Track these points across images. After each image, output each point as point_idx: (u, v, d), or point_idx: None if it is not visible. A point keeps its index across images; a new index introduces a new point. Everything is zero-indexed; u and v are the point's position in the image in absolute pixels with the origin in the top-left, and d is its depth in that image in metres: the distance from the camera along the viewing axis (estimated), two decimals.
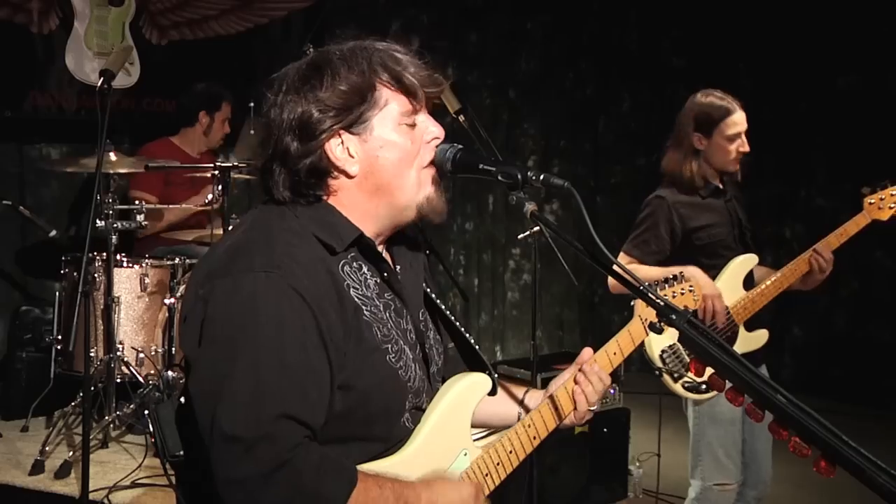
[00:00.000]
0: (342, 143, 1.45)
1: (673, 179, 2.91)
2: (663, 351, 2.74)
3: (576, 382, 1.71)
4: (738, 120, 2.84)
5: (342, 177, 1.47)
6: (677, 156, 2.90)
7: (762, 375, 1.22)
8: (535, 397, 1.79)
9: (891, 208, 2.88)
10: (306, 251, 1.41)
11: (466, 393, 1.60)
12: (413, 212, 1.51)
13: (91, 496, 3.23)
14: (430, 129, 1.51)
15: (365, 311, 1.45)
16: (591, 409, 1.72)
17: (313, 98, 1.43)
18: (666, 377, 2.77)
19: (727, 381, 1.28)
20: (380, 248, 1.55)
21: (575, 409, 1.71)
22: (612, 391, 3.77)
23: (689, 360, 2.75)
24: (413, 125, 1.49)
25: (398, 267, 1.60)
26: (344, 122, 1.44)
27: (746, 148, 2.86)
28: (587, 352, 1.76)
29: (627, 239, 2.93)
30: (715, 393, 2.77)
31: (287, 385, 1.32)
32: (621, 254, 2.93)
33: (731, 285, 2.85)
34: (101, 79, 3.35)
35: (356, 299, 1.44)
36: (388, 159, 1.46)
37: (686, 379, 2.74)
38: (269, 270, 1.35)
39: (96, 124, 3.25)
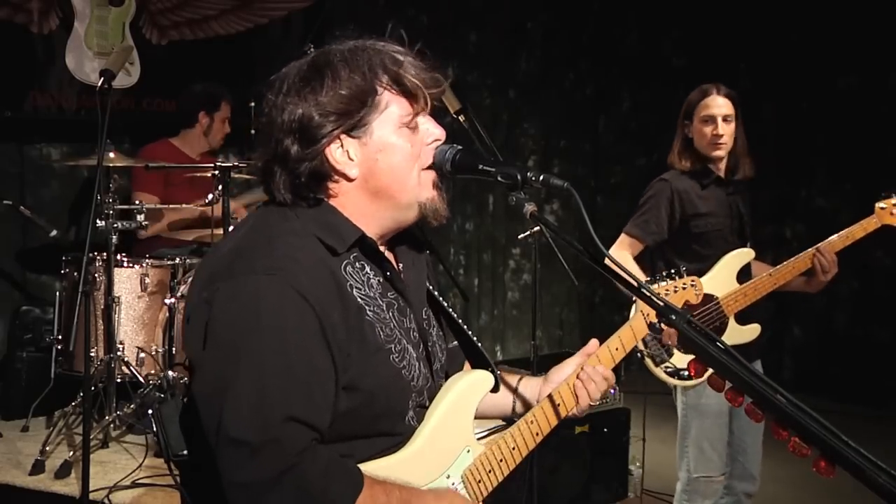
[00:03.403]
0: (342, 146, 1.45)
1: (673, 168, 3.01)
2: (645, 335, 2.78)
3: (578, 379, 1.72)
4: (711, 103, 2.90)
5: (342, 180, 1.47)
6: (675, 147, 3.01)
7: (762, 375, 1.22)
8: (530, 385, 1.80)
9: None
10: (308, 252, 1.41)
11: (469, 390, 1.60)
12: (415, 211, 1.50)
13: (91, 496, 3.23)
14: (431, 131, 1.51)
15: (368, 312, 1.45)
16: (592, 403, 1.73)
17: (314, 101, 1.42)
18: (647, 361, 2.81)
19: (727, 382, 1.28)
20: (382, 247, 1.55)
21: (577, 404, 1.72)
22: (612, 391, 3.77)
23: (670, 345, 2.80)
24: (414, 127, 1.48)
25: (401, 265, 1.60)
26: (344, 127, 1.43)
27: (718, 131, 2.89)
28: (593, 343, 1.76)
29: (630, 219, 3.00)
30: (697, 381, 2.81)
31: (292, 388, 1.32)
32: (622, 234, 2.99)
33: (723, 277, 2.88)
34: (101, 79, 3.35)
35: (359, 299, 1.44)
36: (387, 162, 1.46)
37: (667, 364, 2.78)
38: (270, 272, 1.35)
39: (96, 124, 3.25)
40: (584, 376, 1.71)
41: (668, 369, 2.79)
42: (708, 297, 2.84)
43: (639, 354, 2.79)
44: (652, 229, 2.92)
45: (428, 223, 1.53)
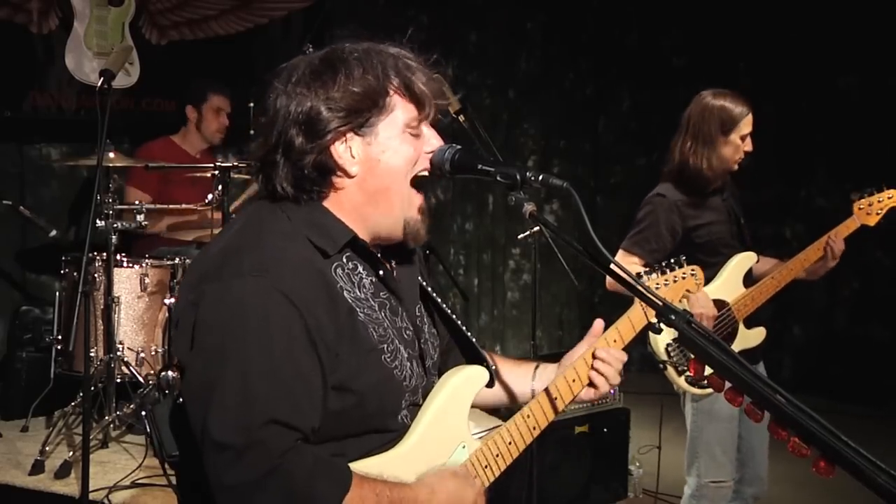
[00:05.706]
0: (346, 142, 1.46)
1: (684, 174, 2.89)
2: (668, 344, 2.77)
3: (594, 366, 1.70)
4: (750, 120, 2.90)
5: (343, 177, 1.48)
6: (694, 151, 2.88)
7: (761, 375, 1.22)
8: (546, 372, 1.78)
9: (878, 214, 2.94)
10: (297, 253, 1.41)
11: (463, 386, 1.60)
12: (400, 229, 1.51)
13: (91, 496, 3.23)
14: (432, 141, 1.53)
15: (359, 313, 1.45)
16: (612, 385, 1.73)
17: (324, 95, 1.43)
18: (670, 370, 2.79)
19: (726, 382, 1.28)
20: (374, 247, 1.55)
21: (596, 389, 1.72)
22: (612, 391, 3.76)
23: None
24: (417, 135, 1.50)
25: (393, 263, 1.60)
26: (352, 125, 1.44)
27: (751, 147, 2.91)
28: (599, 323, 1.74)
29: (626, 236, 2.93)
30: None
31: (276, 390, 1.33)
32: (620, 252, 2.93)
33: (731, 282, 2.88)
34: (101, 79, 3.35)
35: (349, 301, 1.44)
36: (388, 164, 1.47)
37: (689, 373, 2.76)
38: (257, 274, 1.35)
39: (96, 124, 3.25)
40: (598, 364, 1.70)
41: (690, 378, 2.78)
42: (720, 304, 2.84)
43: (660, 365, 2.78)
44: (652, 247, 2.86)
45: (405, 243, 1.53)
